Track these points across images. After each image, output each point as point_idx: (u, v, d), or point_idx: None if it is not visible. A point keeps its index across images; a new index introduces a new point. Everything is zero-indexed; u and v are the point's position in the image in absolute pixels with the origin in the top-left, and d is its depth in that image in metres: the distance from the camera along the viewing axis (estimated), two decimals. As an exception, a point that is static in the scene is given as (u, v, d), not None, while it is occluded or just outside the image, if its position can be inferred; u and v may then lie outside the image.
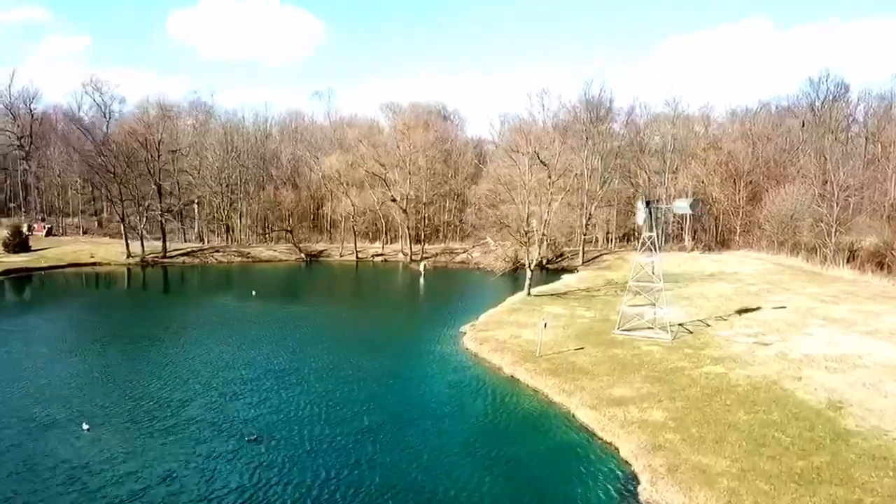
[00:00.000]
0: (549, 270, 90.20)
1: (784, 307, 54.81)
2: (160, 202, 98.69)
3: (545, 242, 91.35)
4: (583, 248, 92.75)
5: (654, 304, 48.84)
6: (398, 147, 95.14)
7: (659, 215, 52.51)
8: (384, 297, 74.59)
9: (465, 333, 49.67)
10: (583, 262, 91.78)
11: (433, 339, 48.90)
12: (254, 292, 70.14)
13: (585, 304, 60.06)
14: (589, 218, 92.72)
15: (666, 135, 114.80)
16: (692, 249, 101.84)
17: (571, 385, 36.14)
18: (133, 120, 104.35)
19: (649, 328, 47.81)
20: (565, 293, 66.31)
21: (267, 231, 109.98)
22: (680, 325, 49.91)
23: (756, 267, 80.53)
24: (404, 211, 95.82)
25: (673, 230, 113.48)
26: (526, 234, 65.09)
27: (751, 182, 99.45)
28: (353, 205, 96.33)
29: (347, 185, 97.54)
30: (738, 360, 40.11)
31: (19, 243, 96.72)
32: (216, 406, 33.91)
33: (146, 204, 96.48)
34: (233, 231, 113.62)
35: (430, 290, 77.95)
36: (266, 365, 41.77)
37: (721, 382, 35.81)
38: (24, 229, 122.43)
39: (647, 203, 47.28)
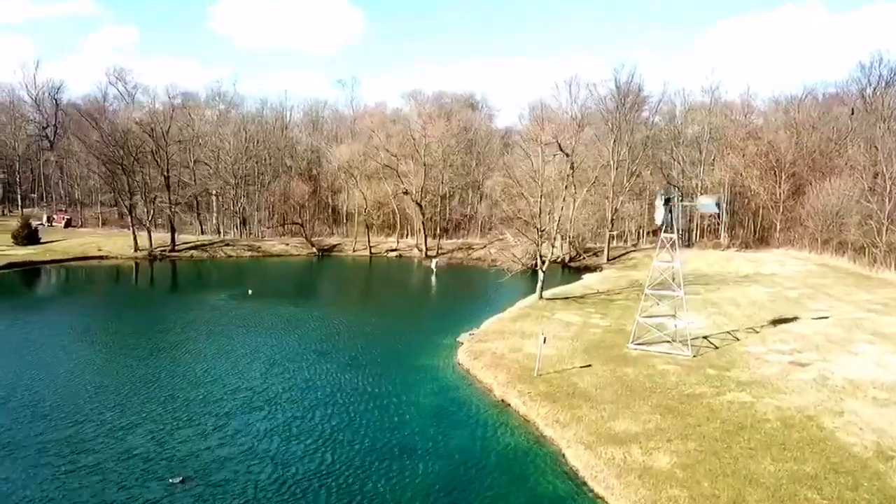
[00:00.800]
0: (571, 269, 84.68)
1: (826, 317, 48.65)
2: (168, 194, 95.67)
3: (566, 239, 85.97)
4: (608, 245, 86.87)
5: (675, 315, 43.25)
6: (412, 137, 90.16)
7: (681, 213, 46.74)
8: (388, 298, 70.00)
9: (462, 344, 44.85)
10: (608, 260, 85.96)
11: (427, 350, 44.19)
12: (250, 291, 66.41)
13: (602, 309, 54.62)
14: (615, 212, 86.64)
15: (702, 123, 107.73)
16: (728, 246, 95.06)
17: (567, 414, 31.04)
18: (139, 109, 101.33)
19: (668, 342, 42.31)
20: (582, 296, 60.85)
21: (276, 225, 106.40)
22: (704, 338, 44.27)
23: (796, 268, 73.77)
24: (418, 204, 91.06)
25: (708, 225, 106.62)
26: (539, 231, 59.65)
27: (793, 174, 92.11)
28: (364, 197, 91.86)
29: (358, 176, 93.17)
30: (769, 385, 34.43)
31: (28, 235, 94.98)
32: (160, 435, 29.67)
33: (152, 196, 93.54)
34: (248, 224, 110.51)
35: (438, 290, 73.29)
36: (236, 382, 37.52)
37: (746, 415, 30.28)
38: (44, 220, 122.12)
39: (667, 200, 41.59)
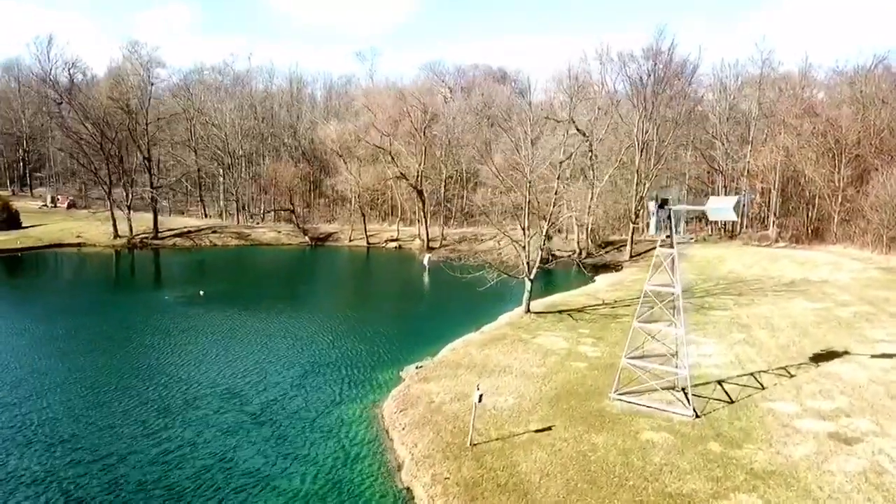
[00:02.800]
0: (587, 266, 73.54)
1: (890, 354, 37.04)
2: (150, 177, 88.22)
3: (585, 232, 75.01)
4: (631, 239, 75.37)
5: (676, 356, 32.60)
6: (408, 114, 79.77)
7: (683, 220, 35.62)
8: (358, 305, 58.07)
9: (402, 381, 35.11)
10: (630, 257, 74.64)
11: (355, 391, 34.59)
12: (202, 292, 58.26)
13: (599, 331, 44.09)
14: (640, 201, 74.93)
15: (751, 97, 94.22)
16: (776, 240, 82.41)
17: (484, 528, 21.18)
18: (110, 85, 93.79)
19: (670, 389, 31.79)
20: (580, 309, 50.24)
21: (266, 210, 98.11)
22: (719, 383, 33.46)
23: (854, 273, 61.22)
24: (417, 190, 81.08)
25: (756, 214, 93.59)
26: (524, 229, 48.70)
27: (856, 157, 78.54)
28: (357, 182, 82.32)
29: (348, 158, 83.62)
30: (795, 479, 23.75)
31: (7, 219, 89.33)
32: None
33: (131, 179, 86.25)
34: (248, 208, 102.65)
35: (418, 295, 62.69)
36: (73, 442, 28.67)
37: (751, 545, 19.86)
38: (47, 201, 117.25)
39: (663, 203, 30.73)
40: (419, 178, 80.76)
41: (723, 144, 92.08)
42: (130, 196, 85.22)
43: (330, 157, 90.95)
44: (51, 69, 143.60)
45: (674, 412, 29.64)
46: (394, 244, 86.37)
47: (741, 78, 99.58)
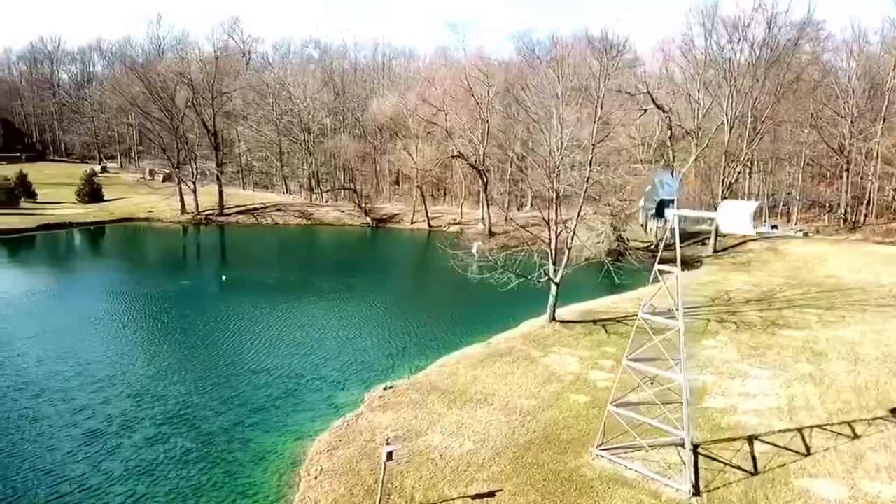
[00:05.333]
0: (663, 262, 64.40)
1: None
2: (216, 155, 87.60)
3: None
4: (715, 231, 65.27)
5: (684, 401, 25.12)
6: (468, 86, 72.99)
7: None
8: (378, 298, 50.86)
9: (357, 408, 29.65)
10: (713, 252, 64.75)
11: (294, 415, 29.46)
12: (224, 277, 55.68)
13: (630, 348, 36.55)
14: (729, 187, 64.56)
15: (886, 63, 79.56)
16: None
17: None
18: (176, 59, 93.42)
19: (677, 445, 24.58)
20: (618, 319, 42.44)
21: (335, 188, 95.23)
22: (750, 439, 25.66)
23: None
24: (477, 170, 74.73)
25: (891, 202, 79.57)
26: (548, 222, 41.36)
27: None
28: (416, 160, 77.08)
29: (405, 134, 78.45)
30: None
31: (90, 192, 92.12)
32: None
33: (194, 155, 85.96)
34: (321, 185, 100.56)
35: (453, 288, 55.15)
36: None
37: None
38: (146, 174, 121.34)
39: (660, 206, 23.10)
40: (482, 158, 74.27)
41: (846, 120, 78.46)
42: (195, 172, 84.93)
43: (399, 132, 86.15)
44: (160, 47, 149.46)
45: (666, 483, 22.49)
46: (456, 227, 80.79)
47: (881, 41, 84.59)
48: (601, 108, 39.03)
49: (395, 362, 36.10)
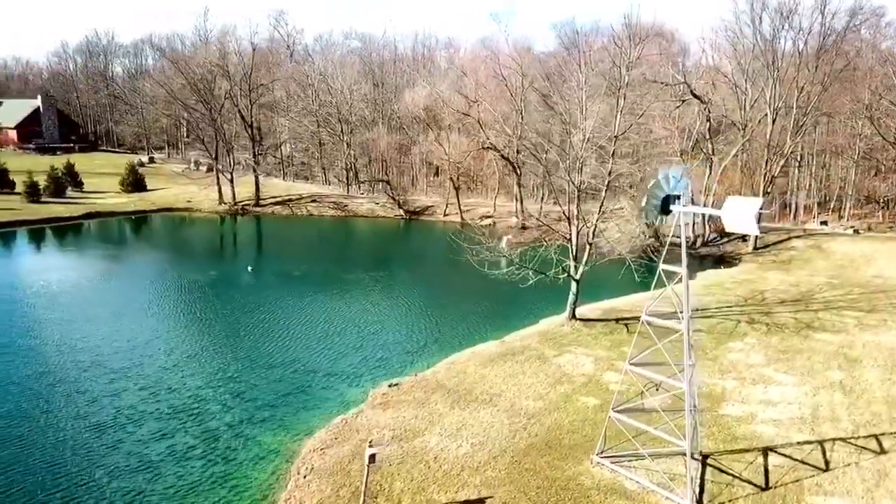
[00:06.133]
0: (702, 258, 62.30)
1: None
2: (253, 146, 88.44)
3: (702, 216, 63.56)
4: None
5: (694, 409, 23.79)
6: (501, 75, 71.56)
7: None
8: (414, 291, 50.81)
9: (357, 409, 28.96)
10: (754, 248, 62.06)
11: (298, 411, 29.20)
12: (249, 268, 56.03)
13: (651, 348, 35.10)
14: (771, 181, 61.72)
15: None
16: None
17: None
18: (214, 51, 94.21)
19: (684, 455, 23.31)
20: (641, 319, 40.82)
21: (371, 180, 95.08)
22: (765, 451, 24.20)
23: None
24: (510, 162, 73.40)
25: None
26: (569, 218, 39.98)
27: None
28: (446, 151, 76.18)
29: (435, 125, 77.54)
30: None
31: (133, 182, 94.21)
32: None
33: (231, 146, 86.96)
34: (359, 177, 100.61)
35: (475, 284, 53.17)
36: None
37: None
38: (191, 165, 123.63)
39: (665, 202, 21.59)
40: (516, 150, 72.93)
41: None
42: (232, 163, 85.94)
43: (433, 123, 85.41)
44: (207, 40, 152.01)
45: (667, 496, 21.29)
46: (488, 220, 79.72)
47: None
48: (624, 99, 37.39)
49: (414, 359, 35.42)
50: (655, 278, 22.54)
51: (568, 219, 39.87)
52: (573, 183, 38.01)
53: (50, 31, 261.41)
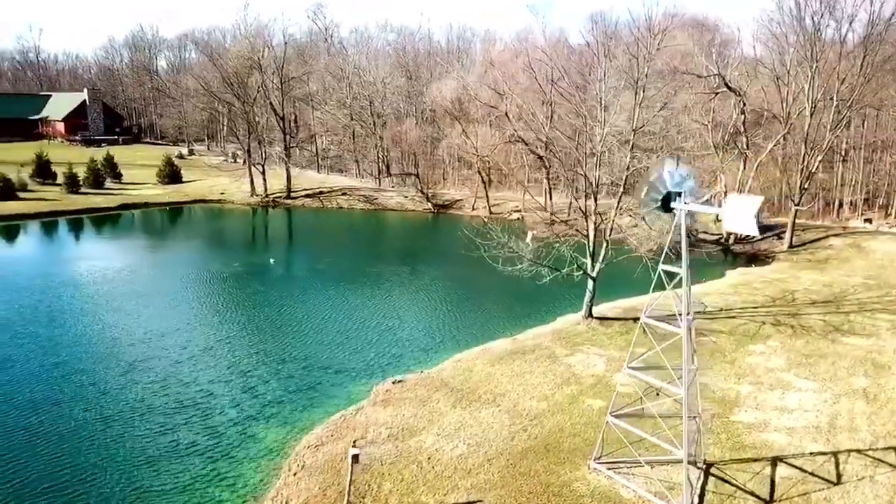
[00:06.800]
0: (735, 256, 60.43)
1: None
2: (285, 138, 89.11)
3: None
4: (792, 225, 60.22)
5: (696, 417, 22.89)
6: (531, 68, 70.35)
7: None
8: (436, 286, 50.69)
9: (357, 406, 28.67)
10: (789, 246, 59.83)
11: (299, 407, 29.11)
12: (272, 260, 56.47)
13: (662, 351, 34.00)
14: (809, 177, 59.33)
15: None
16: None
17: None
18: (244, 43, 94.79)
19: (690, 464, 22.44)
20: (661, 318, 39.54)
21: (403, 173, 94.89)
22: (774, 461, 23.12)
23: None
24: (538, 156, 72.24)
25: None
26: (586, 212, 39.03)
27: None
28: (474, 144, 75.38)
29: (467, 119, 76.70)
30: None
31: (170, 174, 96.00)
32: None
33: (261, 139, 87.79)
34: (390, 169, 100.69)
35: (508, 277, 52.94)
36: None
37: None
38: (229, 157, 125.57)
39: (666, 199, 20.56)
40: (545, 144, 71.73)
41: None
42: (264, 155, 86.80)
43: (461, 116, 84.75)
44: (246, 34, 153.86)
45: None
46: (517, 214, 78.79)
47: None
48: (643, 91, 36.18)
49: (429, 356, 34.79)
50: (654, 279, 21.64)
51: (585, 215, 38.89)
52: (587, 178, 37.01)
53: (99, 27, 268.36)
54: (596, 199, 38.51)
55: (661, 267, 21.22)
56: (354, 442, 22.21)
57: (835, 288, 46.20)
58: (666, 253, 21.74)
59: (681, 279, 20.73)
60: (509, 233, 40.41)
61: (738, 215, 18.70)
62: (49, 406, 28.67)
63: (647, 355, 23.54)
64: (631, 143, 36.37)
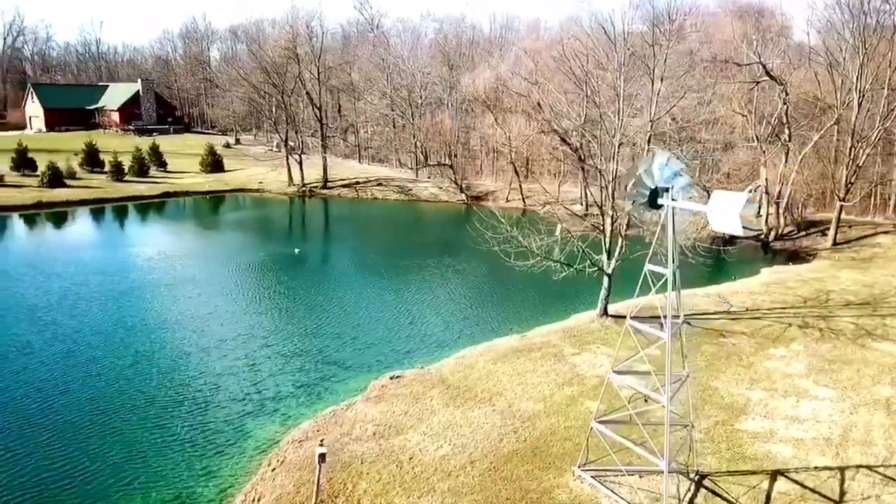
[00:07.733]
0: (776, 253, 57.92)
1: None
2: (321, 129, 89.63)
3: (779, 206, 59.33)
4: (837, 221, 57.20)
5: (689, 426, 21.80)
6: (565, 55, 68.49)
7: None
8: (460, 280, 49.72)
9: (349, 401, 28.27)
10: (833, 244, 56.87)
11: (294, 400, 28.97)
12: (297, 250, 56.75)
13: (674, 353, 32.63)
14: (856, 171, 56.12)
15: None
16: None
17: None
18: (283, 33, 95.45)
19: (680, 472, 21.35)
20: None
21: (428, 163, 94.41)
22: (774, 475, 21.82)
23: None
24: (571, 147, 70.50)
25: None
26: (600, 210, 37.77)
27: None
28: (507, 135, 74.20)
29: (501, 109, 75.44)
30: None
31: (212, 163, 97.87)
32: None
33: (298, 128, 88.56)
34: (427, 159, 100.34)
35: (533, 272, 51.56)
36: None
37: None
38: (273, 147, 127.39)
39: (653, 194, 19.36)
40: (580, 135, 70.01)
41: None
42: (301, 145, 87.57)
43: (495, 106, 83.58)
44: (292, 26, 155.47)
45: (646, 519, 19.51)
46: (547, 207, 77.30)
47: None
48: (661, 81, 34.61)
49: (443, 352, 34.07)
50: (640, 280, 20.59)
51: (600, 209, 37.64)
52: (600, 171, 35.75)
53: (157, 18, 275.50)
54: (613, 194, 37.16)
55: (648, 267, 20.12)
56: (321, 441, 21.85)
57: (875, 289, 43.61)
58: (652, 251, 20.52)
59: (666, 281, 19.57)
60: (533, 225, 39.53)
61: (723, 213, 17.49)
62: (57, 395, 29.03)
63: (643, 357, 22.38)
64: (649, 135, 34.88)
